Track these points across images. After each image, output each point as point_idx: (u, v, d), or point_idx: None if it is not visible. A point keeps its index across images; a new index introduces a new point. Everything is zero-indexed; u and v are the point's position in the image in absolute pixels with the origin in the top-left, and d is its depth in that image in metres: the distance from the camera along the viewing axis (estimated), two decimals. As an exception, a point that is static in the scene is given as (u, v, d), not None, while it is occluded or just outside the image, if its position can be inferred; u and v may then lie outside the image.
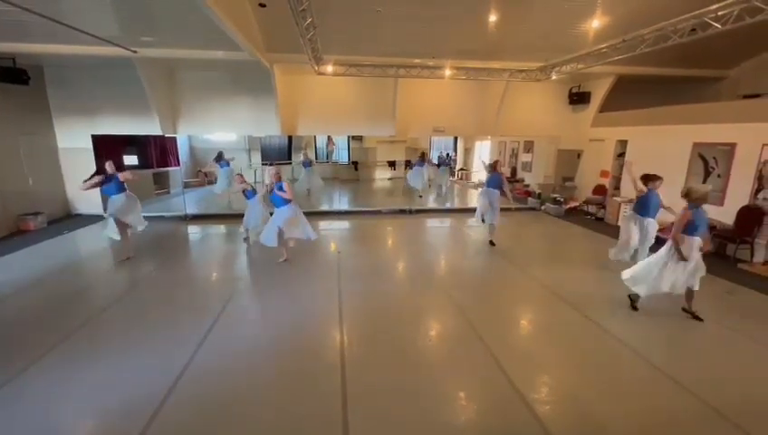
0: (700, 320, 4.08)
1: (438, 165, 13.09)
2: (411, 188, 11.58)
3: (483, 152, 16.86)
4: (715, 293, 4.79)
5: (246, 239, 6.93)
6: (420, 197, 11.40)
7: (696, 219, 3.81)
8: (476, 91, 10.08)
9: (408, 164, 13.14)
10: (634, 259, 5.00)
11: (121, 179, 5.72)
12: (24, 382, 3.03)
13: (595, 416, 2.71)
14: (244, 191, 6.61)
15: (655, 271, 3.98)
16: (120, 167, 5.98)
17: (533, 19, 6.59)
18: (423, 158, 11.39)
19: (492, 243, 6.86)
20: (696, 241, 3.89)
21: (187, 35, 6.52)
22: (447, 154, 14.15)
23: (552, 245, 7.34)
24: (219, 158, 10.22)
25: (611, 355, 3.50)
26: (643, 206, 4.98)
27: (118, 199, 5.77)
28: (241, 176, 6.74)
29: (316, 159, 15.23)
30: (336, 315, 4.20)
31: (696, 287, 3.97)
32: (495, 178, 6.64)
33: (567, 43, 7.22)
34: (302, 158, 11.94)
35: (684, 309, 4.20)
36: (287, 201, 5.49)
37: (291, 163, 14.29)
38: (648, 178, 4.88)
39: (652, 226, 5.06)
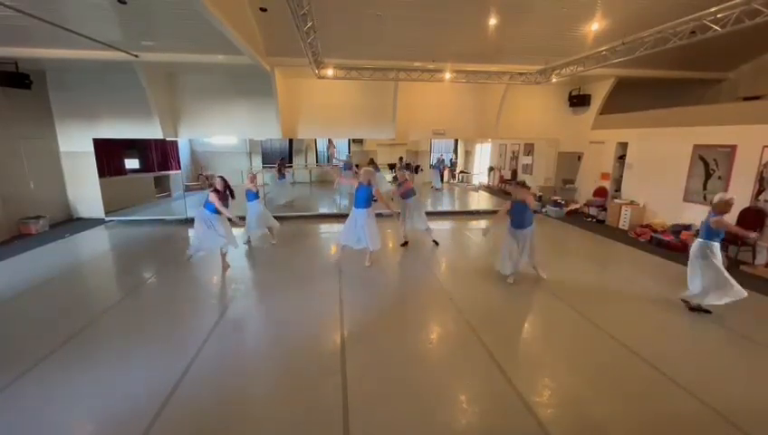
0: (709, 312, 4.24)
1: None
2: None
3: (483, 155, 16.88)
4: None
5: (248, 242, 6.93)
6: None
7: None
8: (476, 94, 10.10)
9: (416, 168, 13.03)
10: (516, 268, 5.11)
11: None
12: (24, 386, 3.02)
13: (595, 417, 2.70)
14: (247, 192, 6.60)
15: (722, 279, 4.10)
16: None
17: (533, 22, 6.62)
18: (372, 163, 11.16)
19: (405, 243, 6.93)
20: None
21: (188, 39, 6.56)
22: (421, 161, 13.94)
23: (553, 247, 7.31)
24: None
25: (612, 356, 3.48)
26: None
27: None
28: (254, 176, 6.71)
29: (317, 162, 15.25)
30: (337, 317, 4.19)
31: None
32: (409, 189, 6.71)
33: (567, 46, 7.24)
34: (341, 163, 11.89)
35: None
36: (369, 204, 5.63)
37: (291, 166, 14.32)
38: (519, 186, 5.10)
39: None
